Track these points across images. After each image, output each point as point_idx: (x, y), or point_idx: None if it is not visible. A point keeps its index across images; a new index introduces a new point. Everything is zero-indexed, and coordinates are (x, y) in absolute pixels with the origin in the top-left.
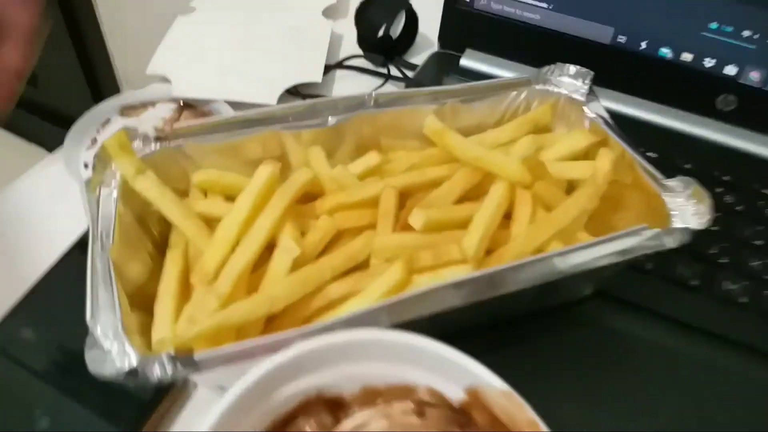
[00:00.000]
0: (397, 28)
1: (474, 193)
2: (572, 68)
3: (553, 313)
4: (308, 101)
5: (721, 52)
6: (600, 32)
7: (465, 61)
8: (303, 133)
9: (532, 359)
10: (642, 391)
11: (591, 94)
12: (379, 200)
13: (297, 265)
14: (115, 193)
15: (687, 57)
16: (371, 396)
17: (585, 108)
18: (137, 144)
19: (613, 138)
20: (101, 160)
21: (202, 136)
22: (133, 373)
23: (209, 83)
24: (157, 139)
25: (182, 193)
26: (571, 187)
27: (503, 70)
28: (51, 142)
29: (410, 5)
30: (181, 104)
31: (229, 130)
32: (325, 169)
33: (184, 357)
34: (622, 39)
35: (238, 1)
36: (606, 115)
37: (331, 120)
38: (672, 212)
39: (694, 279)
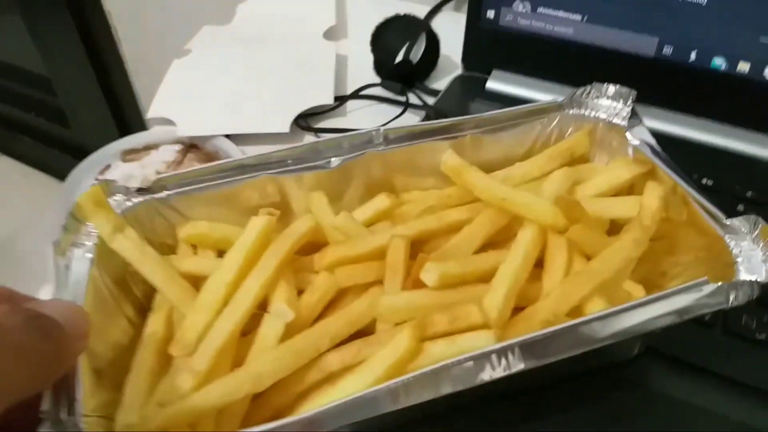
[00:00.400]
0: (417, 52)
1: (499, 238)
2: (611, 88)
3: (591, 374)
4: (308, 142)
5: None
6: (642, 44)
7: (492, 84)
8: (305, 177)
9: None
10: None
11: (634, 118)
12: (387, 252)
13: (291, 330)
14: (90, 255)
15: (744, 67)
16: None
17: (628, 134)
18: (118, 198)
19: (662, 169)
20: (75, 219)
21: (191, 186)
22: None
23: (215, 119)
24: (140, 191)
25: (170, 250)
26: (614, 226)
27: (535, 92)
28: None
29: (430, 27)
30: (185, 145)
31: (221, 178)
32: (327, 217)
33: None
34: (668, 50)
35: (236, 37)
36: (652, 141)
37: (335, 161)
38: (737, 258)
39: (760, 332)
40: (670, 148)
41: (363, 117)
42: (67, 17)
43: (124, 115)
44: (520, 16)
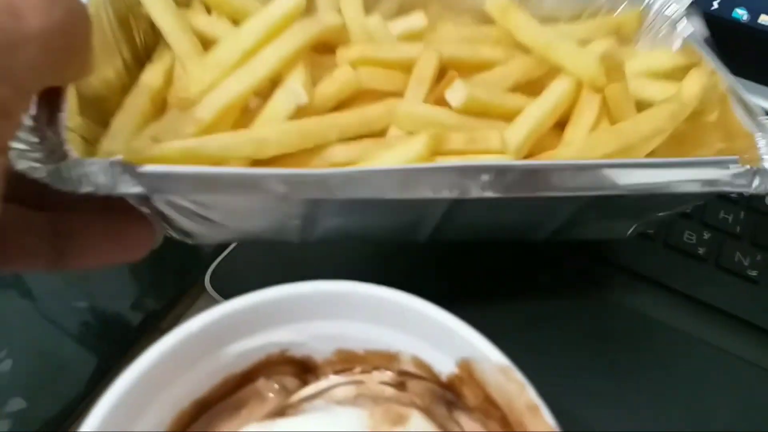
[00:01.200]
0: None
1: (530, 89)
2: None
3: (552, 282)
4: None
5: None
6: None
7: None
8: None
9: (524, 330)
10: (633, 363)
11: (691, 7)
12: (416, 64)
13: (301, 115)
14: None
15: (765, 19)
16: (347, 361)
17: (679, 24)
18: None
19: (709, 63)
20: None
21: None
22: (57, 172)
23: None
24: None
25: (182, 3)
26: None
27: None
28: None
29: None
30: None
31: None
32: (358, 17)
33: (129, 167)
34: None
35: None
36: (706, 34)
37: None
38: (763, 156)
39: (752, 269)
40: None
41: None
42: None
43: None
44: None
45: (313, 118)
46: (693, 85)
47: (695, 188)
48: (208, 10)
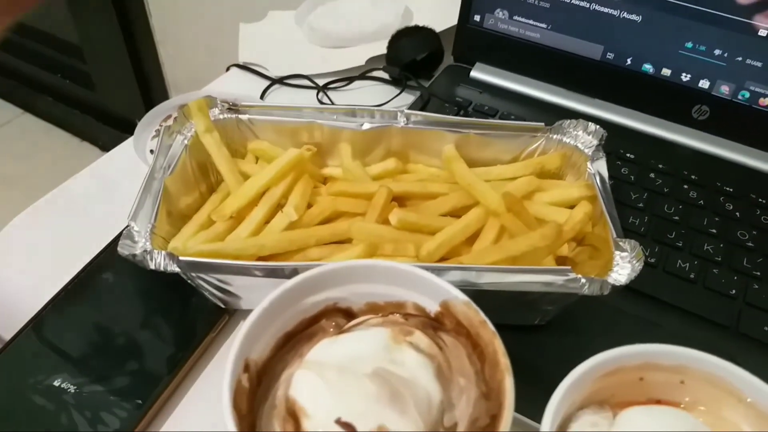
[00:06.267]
0: (423, 53)
1: (461, 213)
2: (591, 126)
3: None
4: (350, 105)
5: (695, 68)
6: (591, 50)
7: (475, 73)
8: (344, 131)
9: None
10: None
11: (598, 151)
12: (374, 196)
13: (294, 226)
14: (186, 142)
15: (666, 72)
16: (373, 310)
17: (588, 163)
18: (215, 110)
19: (600, 195)
20: (183, 115)
21: (265, 116)
22: (142, 257)
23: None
24: (229, 110)
25: (241, 155)
26: None
27: (508, 82)
28: (104, 141)
29: (439, 42)
30: None
31: (287, 116)
32: (346, 161)
33: (175, 257)
34: (610, 56)
35: None
36: (605, 174)
37: (366, 125)
38: (615, 266)
39: (691, 272)
40: (610, 132)
41: (369, 94)
42: None
43: (149, 80)
44: (499, 21)
45: (298, 230)
46: (578, 213)
47: (538, 288)
48: (256, 159)
